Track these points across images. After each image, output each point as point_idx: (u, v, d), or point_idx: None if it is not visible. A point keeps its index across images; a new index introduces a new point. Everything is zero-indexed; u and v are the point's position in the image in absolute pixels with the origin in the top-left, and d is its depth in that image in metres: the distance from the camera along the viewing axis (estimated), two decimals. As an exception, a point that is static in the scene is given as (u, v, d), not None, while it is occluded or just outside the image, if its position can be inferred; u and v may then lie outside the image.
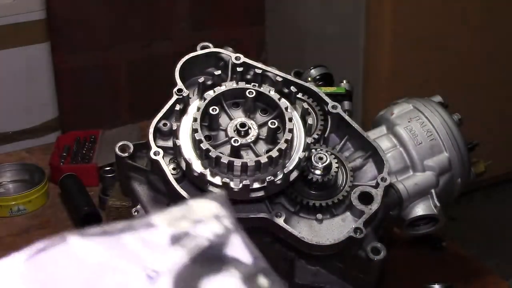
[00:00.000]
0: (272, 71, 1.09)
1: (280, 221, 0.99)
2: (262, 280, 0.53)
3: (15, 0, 2.37)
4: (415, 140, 1.13)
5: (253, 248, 0.56)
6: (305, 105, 1.04)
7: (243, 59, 1.08)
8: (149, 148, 1.02)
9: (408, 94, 1.27)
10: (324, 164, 1.01)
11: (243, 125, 0.99)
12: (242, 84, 1.03)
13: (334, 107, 1.09)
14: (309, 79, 1.33)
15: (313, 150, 1.03)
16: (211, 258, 0.54)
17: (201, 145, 0.95)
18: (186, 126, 1.00)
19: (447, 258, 1.31)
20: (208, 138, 1.00)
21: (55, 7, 2.73)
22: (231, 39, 3.23)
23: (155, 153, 1.01)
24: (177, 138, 0.99)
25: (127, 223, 0.55)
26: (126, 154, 1.06)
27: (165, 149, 1.02)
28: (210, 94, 1.01)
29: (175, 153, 1.01)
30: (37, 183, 1.50)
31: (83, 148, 1.66)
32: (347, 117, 1.09)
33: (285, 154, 0.97)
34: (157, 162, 1.00)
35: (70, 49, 2.90)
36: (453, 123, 1.15)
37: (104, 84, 3.06)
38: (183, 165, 0.98)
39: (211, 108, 0.99)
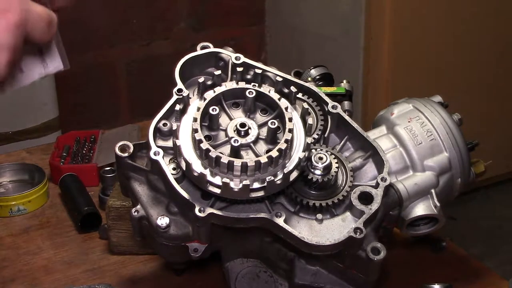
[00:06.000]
0: (272, 71, 1.09)
1: (280, 221, 0.99)
2: None
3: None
4: (415, 140, 1.13)
5: None
6: (305, 105, 1.04)
7: (243, 59, 1.08)
8: (149, 148, 1.01)
9: (408, 94, 1.27)
10: (324, 164, 1.01)
11: (243, 125, 0.99)
12: (242, 84, 1.03)
13: (334, 107, 1.09)
14: (309, 79, 1.33)
15: (313, 150, 1.03)
16: None
17: (201, 145, 0.95)
18: (186, 126, 1.00)
19: (447, 258, 1.31)
20: (208, 138, 1.00)
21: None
22: (231, 39, 3.23)
23: (155, 153, 1.01)
24: (177, 138, 0.99)
25: None
26: (126, 154, 1.06)
27: (165, 149, 1.02)
28: (210, 94, 1.01)
29: (175, 153, 1.01)
30: (37, 183, 1.50)
31: (83, 148, 1.66)
32: (347, 117, 1.09)
33: (285, 154, 0.97)
34: (157, 162, 1.00)
35: (70, 49, 2.90)
36: (453, 123, 1.15)
37: (104, 84, 3.06)
38: (183, 165, 0.98)
39: (211, 108, 0.99)
